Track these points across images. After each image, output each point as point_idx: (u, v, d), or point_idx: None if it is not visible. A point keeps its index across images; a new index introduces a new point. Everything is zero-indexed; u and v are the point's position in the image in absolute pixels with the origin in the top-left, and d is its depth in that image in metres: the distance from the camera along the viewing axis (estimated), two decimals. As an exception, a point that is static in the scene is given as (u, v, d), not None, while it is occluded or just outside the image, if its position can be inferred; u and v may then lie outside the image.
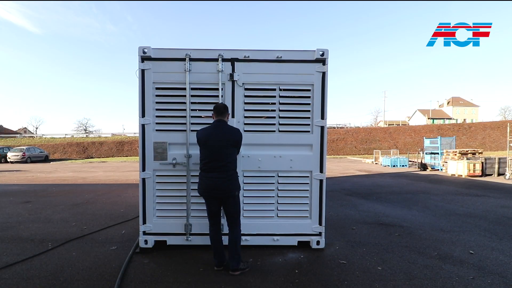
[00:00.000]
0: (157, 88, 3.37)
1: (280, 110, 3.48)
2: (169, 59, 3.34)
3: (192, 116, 3.39)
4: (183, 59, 3.32)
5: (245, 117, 3.45)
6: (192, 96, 3.38)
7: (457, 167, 12.26)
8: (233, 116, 3.41)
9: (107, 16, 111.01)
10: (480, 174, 11.77)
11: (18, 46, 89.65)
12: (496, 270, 2.99)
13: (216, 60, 3.34)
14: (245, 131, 3.38)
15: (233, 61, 3.35)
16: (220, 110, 2.91)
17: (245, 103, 3.43)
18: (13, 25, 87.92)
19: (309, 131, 3.48)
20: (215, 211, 2.94)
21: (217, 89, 3.36)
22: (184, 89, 3.35)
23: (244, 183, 3.46)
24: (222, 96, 3.36)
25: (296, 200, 3.53)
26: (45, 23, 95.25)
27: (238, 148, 2.94)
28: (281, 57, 3.37)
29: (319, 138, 3.47)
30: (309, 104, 3.47)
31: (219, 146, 2.78)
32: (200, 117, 3.44)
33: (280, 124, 3.48)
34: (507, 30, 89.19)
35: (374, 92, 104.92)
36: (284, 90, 3.48)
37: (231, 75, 3.35)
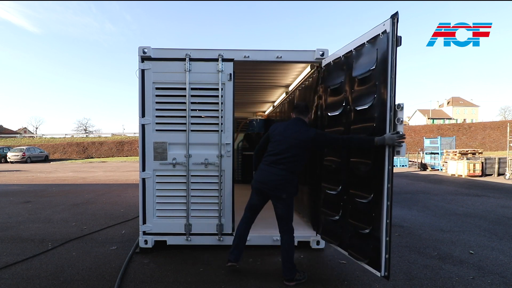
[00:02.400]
0: (157, 88, 3.37)
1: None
2: (169, 59, 3.34)
3: (192, 116, 3.38)
4: (183, 59, 3.32)
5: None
6: (192, 96, 3.37)
7: (457, 167, 12.27)
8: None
9: (106, 15, 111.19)
10: (480, 174, 11.78)
11: (17, 46, 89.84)
12: (496, 270, 2.99)
13: (216, 60, 3.34)
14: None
15: None
16: (301, 108, 2.85)
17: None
18: (12, 25, 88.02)
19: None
20: (255, 204, 2.83)
21: (217, 89, 3.36)
22: (184, 89, 3.35)
23: None
24: (222, 96, 3.36)
25: None
26: (44, 23, 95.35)
27: (306, 150, 2.67)
28: (281, 57, 3.37)
29: None
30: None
31: (284, 143, 2.68)
32: (200, 117, 3.44)
33: None
34: (507, 30, 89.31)
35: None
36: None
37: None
